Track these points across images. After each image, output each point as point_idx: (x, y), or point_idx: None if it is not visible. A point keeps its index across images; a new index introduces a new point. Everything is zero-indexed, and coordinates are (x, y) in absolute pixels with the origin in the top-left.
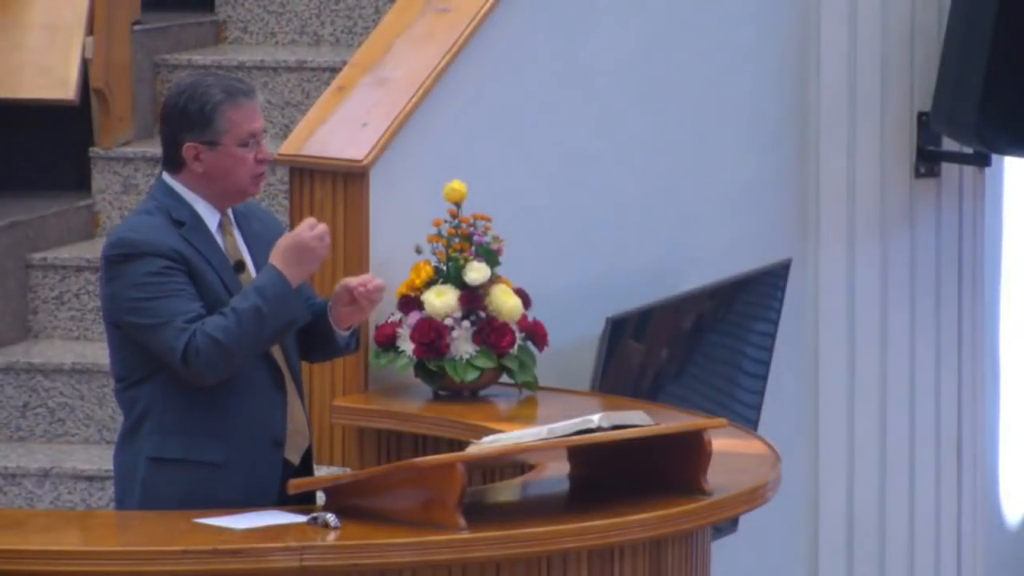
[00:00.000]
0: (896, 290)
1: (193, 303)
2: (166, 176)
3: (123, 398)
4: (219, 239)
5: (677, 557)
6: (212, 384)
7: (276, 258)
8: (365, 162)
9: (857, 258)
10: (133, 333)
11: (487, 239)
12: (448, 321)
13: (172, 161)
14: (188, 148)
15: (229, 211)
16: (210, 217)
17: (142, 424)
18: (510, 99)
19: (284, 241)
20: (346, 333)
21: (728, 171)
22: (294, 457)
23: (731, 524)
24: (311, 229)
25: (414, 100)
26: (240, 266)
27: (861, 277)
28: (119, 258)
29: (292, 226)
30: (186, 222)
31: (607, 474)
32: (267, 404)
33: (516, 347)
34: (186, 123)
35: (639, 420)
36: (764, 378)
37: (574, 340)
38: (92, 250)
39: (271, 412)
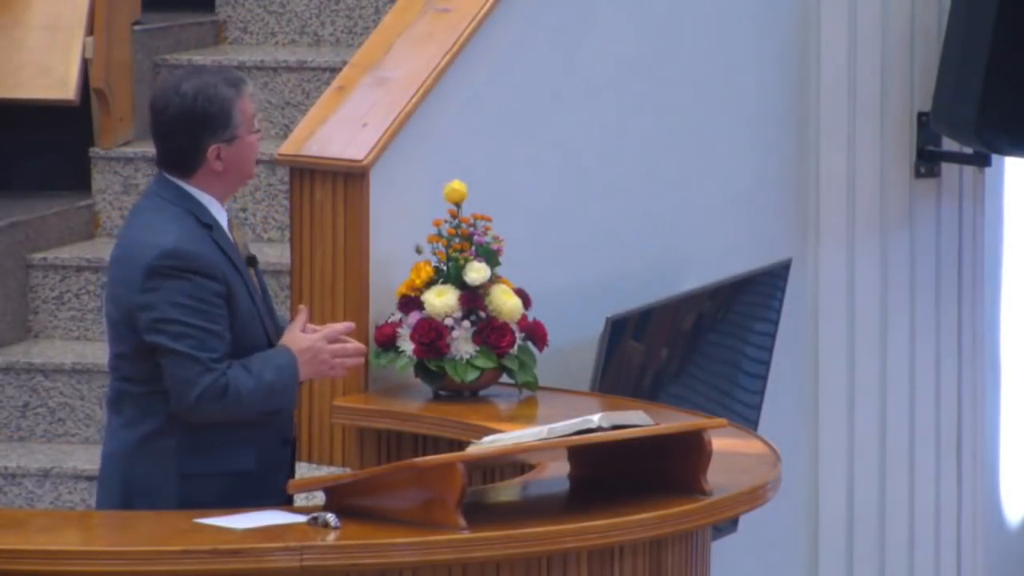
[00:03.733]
0: (896, 290)
1: (223, 341)
2: (177, 180)
3: (142, 402)
4: (230, 237)
5: (677, 557)
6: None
7: (296, 346)
8: (365, 162)
9: (857, 258)
10: (152, 347)
11: (487, 239)
12: (448, 321)
13: (188, 165)
14: (212, 150)
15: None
16: (221, 216)
17: (162, 436)
18: (510, 99)
19: (311, 338)
20: None
21: (728, 171)
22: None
23: (731, 524)
24: (335, 344)
25: (414, 100)
26: (252, 260)
27: (861, 277)
28: (167, 270)
29: (292, 225)
30: (213, 226)
31: (607, 474)
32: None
33: (516, 347)
34: (209, 126)
35: (639, 420)
36: (764, 378)
37: (574, 340)
38: (92, 250)
39: (286, 412)
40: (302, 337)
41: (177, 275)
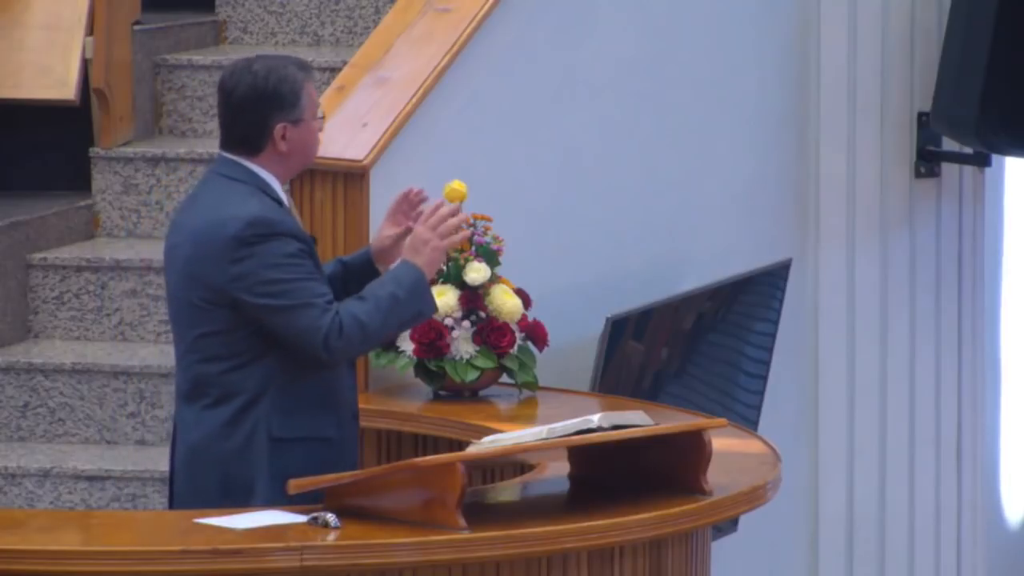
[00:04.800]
0: (896, 290)
1: (326, 286)
2: (240, 159)
3: (222, 380)
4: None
5: (677, 557)
6: (333, 366)
7: (405, 250)
8: (365, 162)
9: (857, 258)
10: (259, 313)
11: (487, 239)
12: (448, 321)
13: (255, 144)
14: (279, 129)
15: None
16: (284, 197)
17: (253, 407)
18: (510, 99)
19: (407, 239)
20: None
21: (728, 171)
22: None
23: (731, 524)
24: (424, 220)
25: (414, 100)
26: (314, 239)
27: (861, 277)
28: (254, 238)
29: None
30: (283, 203)
31: (607, 474)
32: (351, 378)
33: (516, 347)
34: (278, 104)
35: (639, 420)
36: (764, 378)
37: (574, 340)
38: (92, 250)
39: (351, 385)
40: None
41: (265, 240)
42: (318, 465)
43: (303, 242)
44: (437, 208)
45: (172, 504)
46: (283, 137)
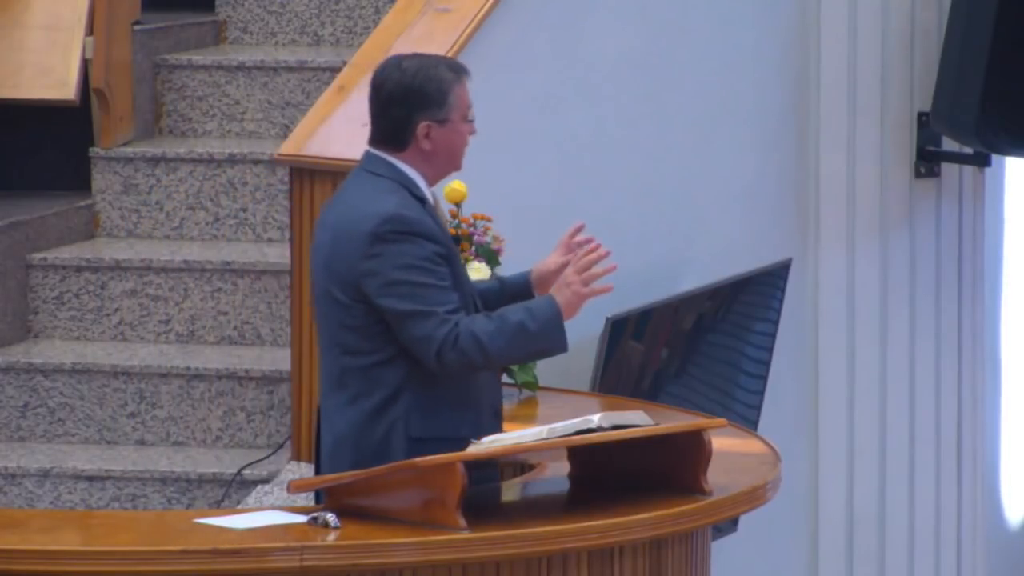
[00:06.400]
0: (896, 290)
1: (453, 294)
2: (386, 155)
3: (362, 376)
4: (439, 216)
5: (677, 557)
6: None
7: (554, 286)
8: None
9: (857, 258)
10: (383, 313)
11: (487, 239)
12: None
13: (399, 140)
14: (423, 127)
15: None
16: (429, 194)
17: (392, 404)
18: (510, 99)
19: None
20: None
21: (728, 171)
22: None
23: (731, 524)
24: (577, 270)
25: None
26: (457, 240)
27: (861, 277)
28: (391, 235)
29: (292, 225)
30: (426, 201)
31: (607, 474)
32: (492, 375)
33: None
34: (423, 102)
35: (639, 420)
36: (764, 378)
37: (574, 340)
38: (92, 250)
39: (493, 383)
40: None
41: (399, 239)
42: None
43: (441, 245)
44: (583, 246)
45: (318, 498)
46: (427, 136)
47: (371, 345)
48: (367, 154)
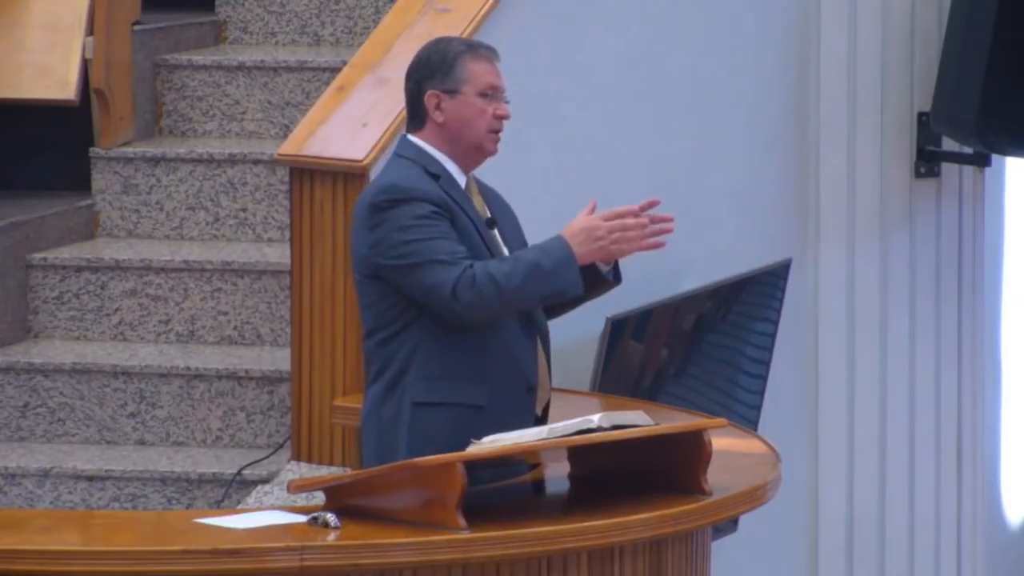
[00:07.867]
0: (896, 290)
1: (459, 245)
2: (410, 136)
3: (378, 353)
4: (464, 192)
5: (677, 557)
6: (472, 325)
7: (565, 230)
8: (365, 162)
9: (857, 258)
10: (396, 277)
11: None
12: None
13: (416, 116)
14: (430, 96)
15: (472, 176)
16: (459, 177)
17: (403, 376)
18: (510, 99)
19: (586, 218)
20: (608, 266)
21: (728, 171)
22: (538, 408)
23: (731, 524)
24: (608, 220)
25: None
26: (491, 223)
27: (861, 277)
28: (386, 203)
29: (292, 225)
30: (441, 176)
31: (607, 474)
32: (522, 350)
33: None
34: (428, 72)
35: (639, 420)
36: (764, 378)
37: (574, 340)
38: (92, 250)
39: (526, 358)
40: (578, 219)
41: (396, 205)
42: (458, 430)
43: (435, 205)
44: (627, 211)
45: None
46: (437, 107)
47: (383, 321)
48: (398, 138)
